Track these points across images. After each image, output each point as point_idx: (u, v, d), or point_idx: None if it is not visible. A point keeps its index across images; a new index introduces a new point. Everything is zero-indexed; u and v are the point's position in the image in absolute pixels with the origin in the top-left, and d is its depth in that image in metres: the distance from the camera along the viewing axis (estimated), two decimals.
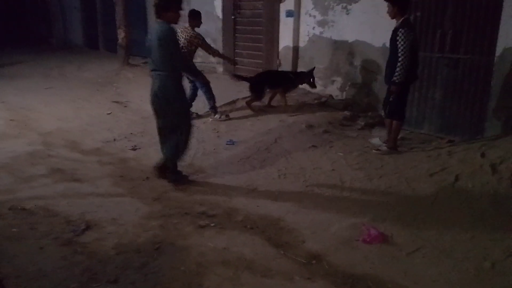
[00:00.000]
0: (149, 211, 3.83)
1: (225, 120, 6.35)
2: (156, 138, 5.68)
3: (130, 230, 3.46)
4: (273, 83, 6.61)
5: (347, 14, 6.51)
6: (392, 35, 4.58)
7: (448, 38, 5.28)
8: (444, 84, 5.41)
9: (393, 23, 4.67)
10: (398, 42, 4.45)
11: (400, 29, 4.44)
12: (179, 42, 5.36)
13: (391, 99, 4.79)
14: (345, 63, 6.64)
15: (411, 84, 4.84)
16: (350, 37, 6.52)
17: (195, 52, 6.30)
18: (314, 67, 6.67)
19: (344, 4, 6.53)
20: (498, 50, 4.68)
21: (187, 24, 6.14)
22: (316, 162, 4.80)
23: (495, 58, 4.73)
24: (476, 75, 5.05)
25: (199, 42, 6.11)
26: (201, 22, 6.30)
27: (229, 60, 7.39)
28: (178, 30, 5.76)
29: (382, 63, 6.03)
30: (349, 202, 3.97)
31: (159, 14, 4.10)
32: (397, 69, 4.49)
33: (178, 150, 4.33)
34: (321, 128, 5.73)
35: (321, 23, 6.96)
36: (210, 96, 6.36)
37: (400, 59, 4.44)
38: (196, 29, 6.18)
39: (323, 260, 3.05)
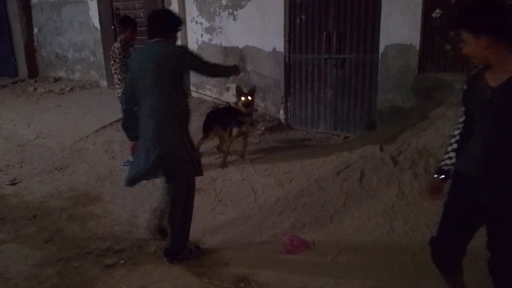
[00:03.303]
0: (41, 256, 3.27)
1: None
2: (39, 167, 5.06)
3: (21, 285, 2.90)
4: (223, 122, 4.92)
5: (234, 20, 6.44)
6: (498, 94, 1.88)
7: (334, 39, 5.47)
8: (334, 84, 5.60)
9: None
10: None
11: None
12: None
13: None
14: None
15: None
16: (240, 43, 6.46)
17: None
18: (254, 87, 5.00)
19: (230, 10, 6.45)
20: (381, 48, 4.96)
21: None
22: (225, 173, 4.60)
23: (379, 55, 5.01)
24: (363, 72, 5.31)
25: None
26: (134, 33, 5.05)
27: None
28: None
29: (274, 67, 6.07)
30: (265, 211, 3.85)
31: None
32: None
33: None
34: None
35: (209, 30, 6.80)
36: None
37: None
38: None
39: (251, 281, 2.86)
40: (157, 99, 2.91)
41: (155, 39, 3.00)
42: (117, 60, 4.85)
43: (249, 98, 4.66)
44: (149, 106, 2.93)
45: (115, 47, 4.92)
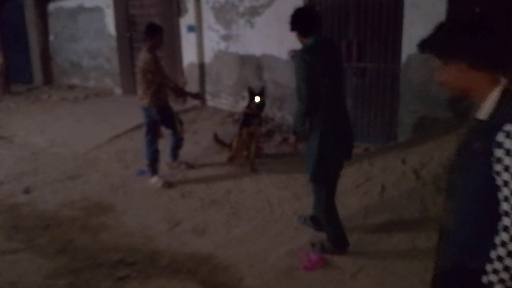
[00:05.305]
0: (54, 267, 3.21)
1: (165, 187, 4.56)
2: (52, 176, 5.01)
3: None
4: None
5: (252, 27, 6.36)
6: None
7: (354, 47, 5.34)
8: (354, 94, 5.46)
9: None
10: None
11: None
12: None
13: None
14: (254, 78, 6.46)
15: None
16: (257, 51, 6.37)
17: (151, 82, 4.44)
18: (263, 87, 5.18)
19: (248, 18, 6.37)
20: (403, 57, 4.81)
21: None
22: (240, 184, 4.49)
23: (401, 65, 4.86)
24: (384, 82, 5.16)
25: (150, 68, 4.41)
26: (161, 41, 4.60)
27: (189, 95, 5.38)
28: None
29: (292, 76, 5.94)
30: (281, 225, 3.71)
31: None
32: None
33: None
34: None
35: (226, 38, 6.73)
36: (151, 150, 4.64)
37: None
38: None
39: None
40: (343, 90, 3.29)
41: (315, 34, 3.08)
42: (147, 74, 4.38)
43: (262, 98, 4.90)
44: (340, 98, 3.17)
45: (149, 59, 4.37)
